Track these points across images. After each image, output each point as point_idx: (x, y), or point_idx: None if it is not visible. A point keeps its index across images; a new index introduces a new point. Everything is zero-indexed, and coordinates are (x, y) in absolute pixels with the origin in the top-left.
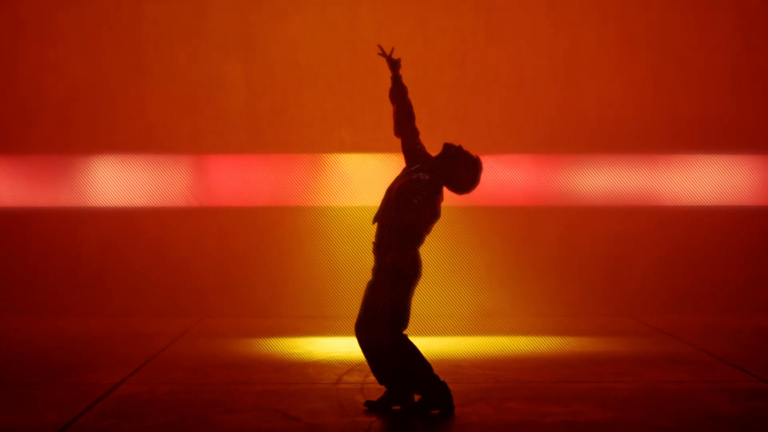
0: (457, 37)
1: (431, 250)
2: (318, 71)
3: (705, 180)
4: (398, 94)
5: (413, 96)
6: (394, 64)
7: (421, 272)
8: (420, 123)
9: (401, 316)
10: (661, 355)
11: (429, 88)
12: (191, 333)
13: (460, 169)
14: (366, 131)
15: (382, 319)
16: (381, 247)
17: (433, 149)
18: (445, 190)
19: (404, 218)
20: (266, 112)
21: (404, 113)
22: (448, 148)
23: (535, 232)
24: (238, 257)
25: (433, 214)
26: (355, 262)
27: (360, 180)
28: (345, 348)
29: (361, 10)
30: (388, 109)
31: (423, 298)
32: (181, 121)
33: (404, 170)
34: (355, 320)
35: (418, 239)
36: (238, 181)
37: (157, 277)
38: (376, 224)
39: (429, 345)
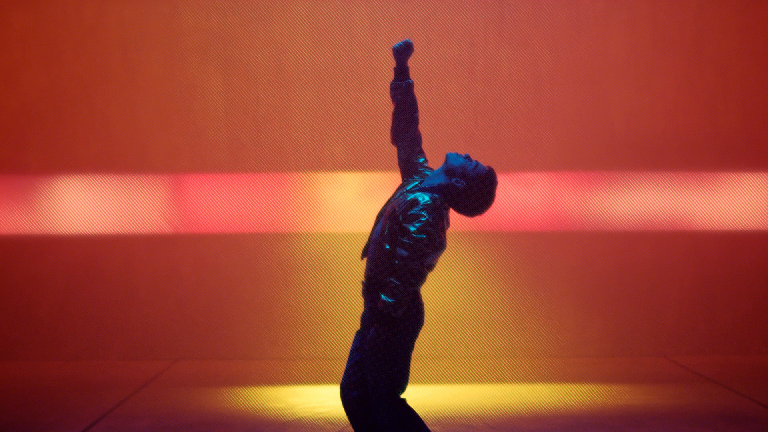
0: (465, 40)
1: (432, 282)
2: (307, 79)
3: (748, 200)
4: (403, 88)
5: (421, 106)
6: (402, 51)
7: (423, 319)
8: (427, 133)
9: (399, 375)
10: (712, 410)
11: (433, 99)
12: (158, 381)
13: (469, 189)
14: (362, 147)
15: (378, 395)
16: (371, 288)
17: (436, 166)
18: (452, 212)
19: (403, 269)
20: (249, 126)
21: (406, 114)
22: (452, 164)
23: (554, 260)
24: (218, 291)
25: (438, 247)
26: (350, 297)
27: (356, 203)
28: (333, 400)
29: (356, 11)
30: (387, 122)
31: (424, 338)
32: (152, 137)
33: (399, 188)
34: (341, 379)
35: (419, 279)
36: (217, 204)
37: (124, 315)
38: (365, 260)
39: (432, 395)
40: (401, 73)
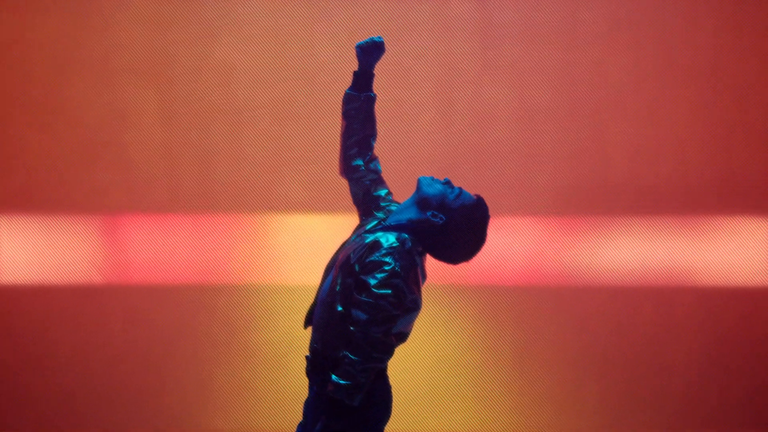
0: (443, 64)
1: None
2: (260, 106)
3: (766, 252)
4: (360, 101)
5: (384, 139)
6: (367, 51)
7: (390, 408)
8: (393, 175)
9: None
10: None
11: (406, 131)
12: None
13: (451, 226)
14: (323, 185)
15: None
16: (319, 366)
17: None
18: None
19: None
20: (191, 159)
21: (359, 136)
22: (426, 192)
23: (540, 320)
24: (151, 352)
25: (410, 308)
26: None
27: (316, 250)
28: None
29: (317, 29)
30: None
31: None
32: (79, 171)
33: (356, 230)
34: None
35: (384, 353)
36: (152, 250)
37: (40, 379)
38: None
39: None
40: (362, 80)
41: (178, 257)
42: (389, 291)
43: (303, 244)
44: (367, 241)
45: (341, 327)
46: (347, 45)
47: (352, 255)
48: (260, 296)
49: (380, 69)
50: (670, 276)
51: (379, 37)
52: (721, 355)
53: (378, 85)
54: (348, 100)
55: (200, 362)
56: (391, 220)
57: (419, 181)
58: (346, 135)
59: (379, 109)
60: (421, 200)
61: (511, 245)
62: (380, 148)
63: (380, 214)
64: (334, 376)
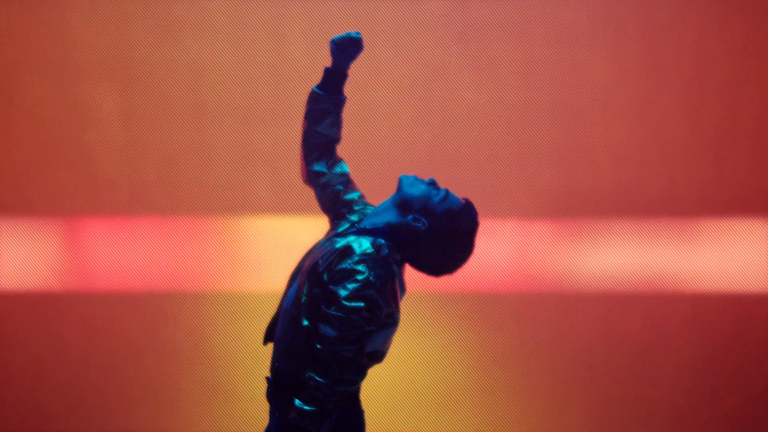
0: (419, 61)
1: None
2: (228, 104)
3: (759, 258)
4: (330, 102)
5: (354, 143)
6: (343, 47)
7: None
8: (365, 180)
9: None
10: None
11: (378, 132)
12: None
13: (434, 232)
14: (296, 184)
15: None
16: (281, 389)
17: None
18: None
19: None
20: (155, 160)
21: (322, 140)
22: (408, 193)
23: (524, 328)
24: (112, 364)
25: (386, 324)
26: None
27: (288, 254)
28: None
29: (286, 24)
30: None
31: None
32: (34, 171)
33: (327, 234)
34: None
35: (356, 375)
36: (113, 255)
37: None
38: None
39: None
40: (334, 79)
41: (141, 262)
42: (362, 304)
43: (275, 249)
44: (338, 246)
45: (307, 344)
46: (319, 42)
47: (320, 261)
48: (226, 304)
49: (356, 67)
50: (659, 282)
51: (357, 33)
52: (713, 364)
53: (348, 90)
54: (314, 99)
55: (165, 373)
56: (366, 223)
57: (400, 181)
58: (308, 138)
59: (356, 109)
60: (402, 202)
61: (492, 251)
62: (355, 149)
63: (354, 217)
64: (297, 401)
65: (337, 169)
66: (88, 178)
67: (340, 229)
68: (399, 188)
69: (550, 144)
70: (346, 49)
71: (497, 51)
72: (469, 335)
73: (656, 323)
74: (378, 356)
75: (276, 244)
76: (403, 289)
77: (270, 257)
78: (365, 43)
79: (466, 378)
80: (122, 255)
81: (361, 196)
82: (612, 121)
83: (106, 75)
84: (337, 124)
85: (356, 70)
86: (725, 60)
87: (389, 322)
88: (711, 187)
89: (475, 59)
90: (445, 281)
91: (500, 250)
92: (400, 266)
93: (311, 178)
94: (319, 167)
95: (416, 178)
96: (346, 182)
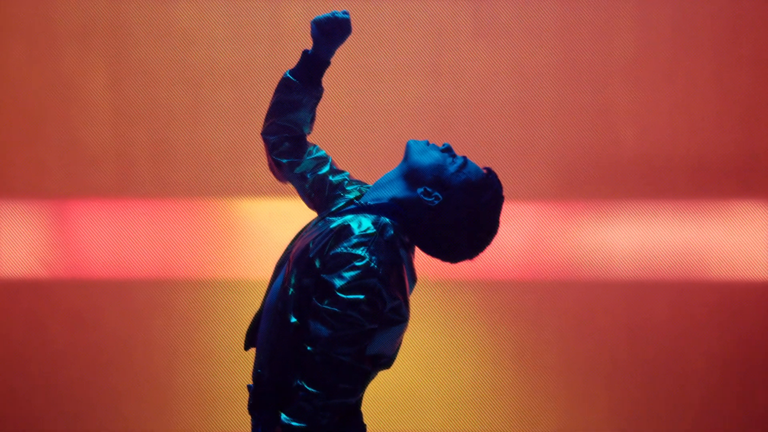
0: (430, 29)
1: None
2: (221, 78)
3: None
4: (303, 93)
5: (359, 116)
6: (327, 30)
7: None
8: (369, 156)
9: None
10: None
11: (385, 104)
12: None
13: (450, 208)
14: None
15: None
16: (265, 399)
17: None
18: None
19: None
20: (144, 137)
21: (291, 134)
22: (417, 161)
23: (542, 319)
24: (98, 357)
25: (395, 320)
26: None
27: (288, 239)
28: None
29: None
30: (323, 133)
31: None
32: (15, 149)
33: (320, 214)
34: None
35: (356, 384)
36: (100, 239)
37: None
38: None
39: None
40: (313, 67)
41: (128, 248)
42: (362, 296)
43: (274, 234)
44: (333, 225)
45: (295, 346)
46: (317, 12)
47: (311, 245)
48: (221, 291)
49: (355, 42)
50: (687, 268)
51: (345, 13)
52: (744, 357)
53: (352, 61)
54: (286, 88)
55: (155, 366)
56: (368, 199)
57: (408, 147)
58: (273, 131)
59: (356, 87)
60: (411, 172)
61: (504, 234)
62: (363, 124)
63: (351, 195)
64: (284, 416)
65: (314, 154)
66: (70, 156)
67: (335, 208)
68: (407, 156)
69: (568, 118)
70: (331, 32)
71: (511, 18)
72: (481, 327)
73: (683, 313)
74: (383, 360)
75: (277, 228)
76: (412, 278)
77: (270, 243)
78: (368, 14)
79: (478, 374)
80: (110, 239)
81: (351, 176)
82: (636, 91)
83: (91, 46)
84: (310, 119)
85: (356, 43)
86: (759, 27)
87: (395, 318)
88: (744, 164)
89: (487, 27)
90: (454, 269)
91: (513, 234)
92: (409, 250)
93: (285, 172)
94: (290, 159)
95: (427, 144)
96: (331, 164)
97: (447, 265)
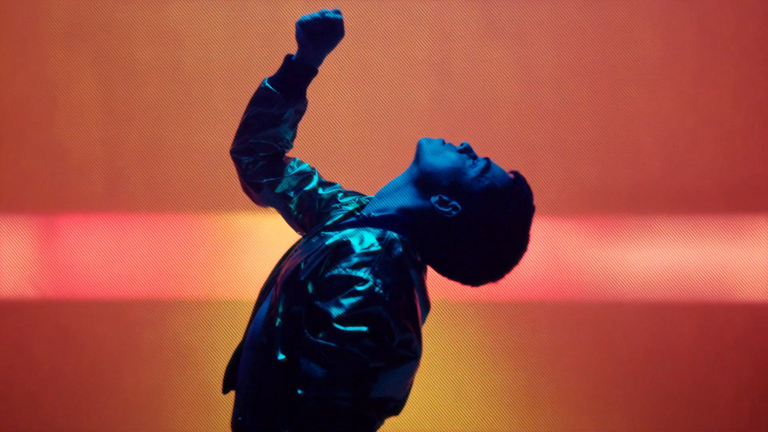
0: (438, 30)
1: None
2: (218, 81)
3: None
4: (283, 107)
5: (361, 124)
6: (315, 32)
7: None
8: (375, 165)
9: None
10: None
11: (390, 109)
12: None
13: (471, 220)
14: None
15: None
16: None
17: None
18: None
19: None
20: (135, 147)
21: (269, 152)
22: (431, 164)
23: (559, 341)
24: (84, 380)
25: (406, 357)
26: None
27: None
28: None
29: None
30: (328, 137)
31: None
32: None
33: (314, 229)
34: None
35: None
36: (87, 257)
37: None
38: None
39: None
40: (297, 75)
41: (117, 266)
42: (364, 328)
43: (274, 250)
44: (330, 242)
45: (283, 388)
46: (321, 3)
47: (302, 266)
48: (217, 312)
49: (357, 44)
50: (714, 288)
51: (336, 12)
52: None
53: (355, 62)
54: (265, 100)
55: (145, 389)
56: (372, 209)
57: (420, 147)
58: (246, 152)
59: (358, 93)
60: (423, 177)
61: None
62: (367, 132)
63: (349, 207)
64: None
65: (296, 168)
66: (55, 166)
67: (330, 221)
68: (418, 158)
69: (585, 127)
70: (320, 35)
71: (524, 20)
72: (492, 350)
73: (712, 336)
74: (391, 405)
75: (277, 244)
76: (425, 305)
77: (270, 260)
78: (373, 14)
79: (490, 399)
80: (98, 256)
81: (342, 189)
82: (659, 100)
83: (78, 47)
84: (292, 135)
85: (357, 44)
86: None
87: (405, 354)
88: None
89: (499, 30)
90: (464, 288)
91: (532, 252)
92: (421, 271)
93: (264, 194)
94: (268, 178)
95: (443, 143)
96: (318, 177)
97: (454, 284)
